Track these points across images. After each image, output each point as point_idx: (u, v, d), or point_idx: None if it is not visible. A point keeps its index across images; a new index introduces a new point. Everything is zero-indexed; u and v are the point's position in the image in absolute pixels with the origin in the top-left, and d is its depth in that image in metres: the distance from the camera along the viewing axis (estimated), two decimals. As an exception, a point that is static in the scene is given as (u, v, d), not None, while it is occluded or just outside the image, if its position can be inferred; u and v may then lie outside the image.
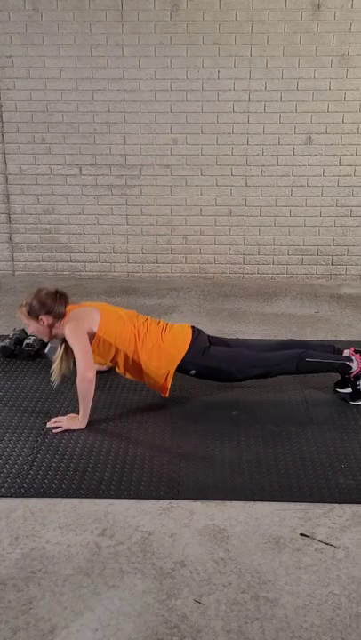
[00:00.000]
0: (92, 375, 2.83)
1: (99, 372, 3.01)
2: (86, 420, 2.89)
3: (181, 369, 3.01)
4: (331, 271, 5.45)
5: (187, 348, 2.97)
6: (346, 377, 3.13)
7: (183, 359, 2.97)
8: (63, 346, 3.02)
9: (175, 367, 2.99)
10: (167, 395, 3.08)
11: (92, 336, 2.92)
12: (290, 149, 5.15)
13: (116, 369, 3.10)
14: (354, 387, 3.12)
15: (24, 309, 2.98)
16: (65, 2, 4.88)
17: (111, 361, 3.04)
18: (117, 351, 2.97)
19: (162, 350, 2.96)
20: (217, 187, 5.27)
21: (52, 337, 3.06)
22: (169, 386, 3.04)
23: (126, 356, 2.98)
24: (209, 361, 3.00)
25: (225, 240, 5.41)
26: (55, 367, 3.05)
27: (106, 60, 5.00)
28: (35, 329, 3.02)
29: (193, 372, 3.03)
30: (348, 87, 4.98)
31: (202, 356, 2.99)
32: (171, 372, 3.00)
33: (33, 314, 2.95)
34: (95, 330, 2.92)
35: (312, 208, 5.30)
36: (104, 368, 3.46)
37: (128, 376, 3.10)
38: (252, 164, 5.18)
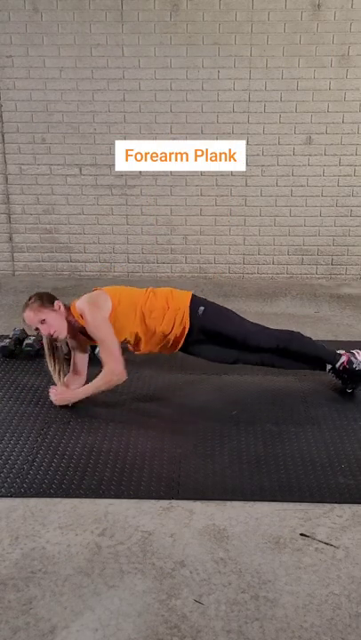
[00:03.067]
0: (121, 368, 2.87)
1: None
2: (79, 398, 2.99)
3: (192, 309, 3.01)
4: (331, 271, 5.45)
5: (190, 297, 3.05)
6: (336, 368, 3.16)
7: (192, 300, 3.03)
8: (50, 349, 3.01)
9: (188, 303, 3.01)
10: (179, 347, 3.08)
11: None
12: (290, 149, 5.15)
13: (131, 347, 3.07)
14: (346, 374, 3.16)
15: (35, 305, 2.88)
16: (65, 2, 4.88)
17: (131, 337, 3.00)
18: (134, 324, 2.96)
19: (170, 310, 2.99)
20: (217, 187, 5.27)
21: (69, 330, 2.95)
22: (187, 331, 3.02)
23: (140, 329, 2.98)
24: (211, 308, 3.07)
25: (225, 240, 5.41)
26: (54, 376, 3.05)
27: (106, 60, 5.00)
28: (52, 318, 2.88)
29: (202, 308, 3.03)
30: (348, 87, 4.99)
31: (202, 309, 3.04)
32: (186, 313, 2.99)
33: (47, 301, 2.91)
34: (110, 309, 2.90)
35: (312, 208, 5.30)
36: None
37: (148, 348, 3.07)
38: (252, 163, 5.18)
